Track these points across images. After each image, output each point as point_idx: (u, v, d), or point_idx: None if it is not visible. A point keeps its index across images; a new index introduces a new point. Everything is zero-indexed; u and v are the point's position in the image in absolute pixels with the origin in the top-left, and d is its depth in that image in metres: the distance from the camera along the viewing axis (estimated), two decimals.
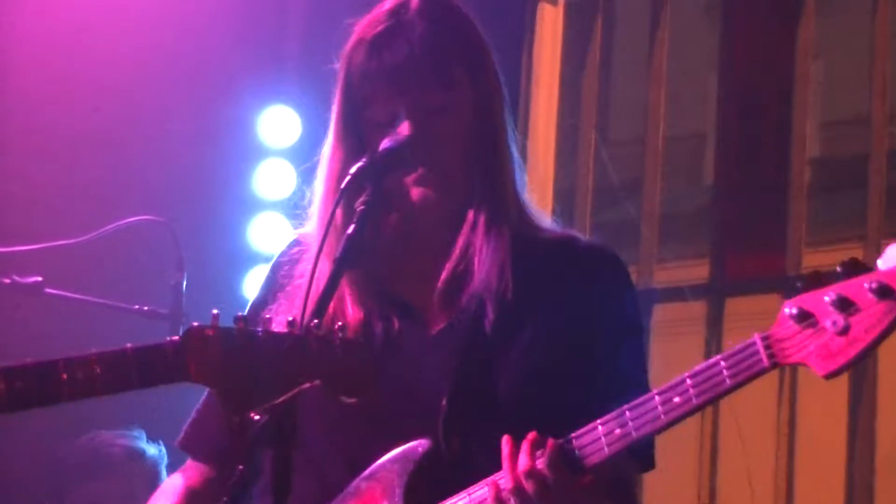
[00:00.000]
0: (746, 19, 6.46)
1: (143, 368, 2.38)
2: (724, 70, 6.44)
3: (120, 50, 5.72)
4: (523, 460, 2.61)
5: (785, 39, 6.15)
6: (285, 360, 2.31)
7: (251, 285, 5.79)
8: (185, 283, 4.86)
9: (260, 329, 2.34)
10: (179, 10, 5.80)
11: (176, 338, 2.35)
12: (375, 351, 2.35)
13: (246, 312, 2.94)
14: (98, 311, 4.89)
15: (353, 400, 2.35)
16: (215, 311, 2.36)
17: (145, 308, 4.84)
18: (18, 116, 5.56)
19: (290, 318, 2.38)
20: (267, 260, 5.29)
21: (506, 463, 2.63)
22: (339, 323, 2.46)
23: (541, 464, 2.60)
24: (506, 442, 2.64)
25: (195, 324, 2.36)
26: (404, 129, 2.81)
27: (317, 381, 2.30)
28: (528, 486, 2.60)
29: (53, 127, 5.65)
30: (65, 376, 2.38)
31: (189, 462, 3.03)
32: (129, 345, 2.39)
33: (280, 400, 2.29)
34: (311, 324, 2.36)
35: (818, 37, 6.15)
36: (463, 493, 2.69)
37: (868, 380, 5.71)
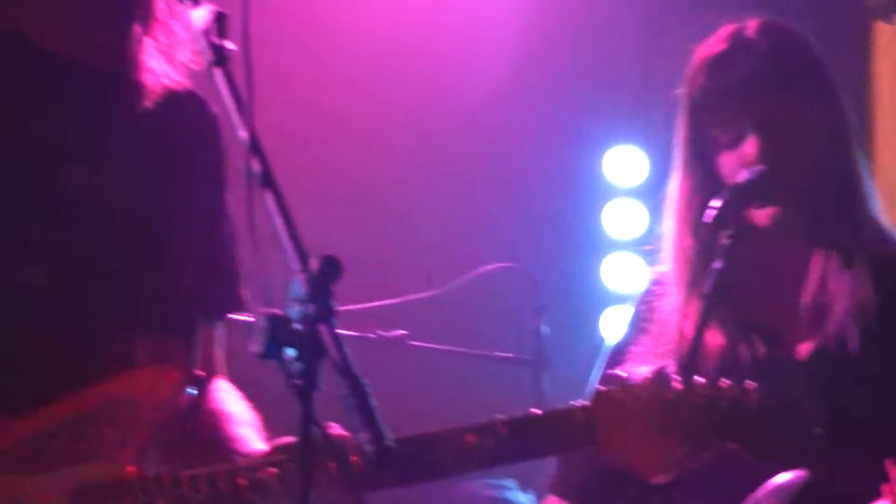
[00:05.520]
0: None
1: (551, 433, 2.34)
2: None
3: (478, 105, 5.77)
4: None
5: None
6: (696, 421, 2.25)
7: (607, 326, 5.76)
8: (544, 327, 4.86)
9: (671, 388, 2.28)
10: (526, 54, 5.84)
11: (585, 402, 2.32)
12: (807, 415, 2.27)
13: (609, 354, 2.95)
14: (461, 360, 4.94)
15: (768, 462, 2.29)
16: (620, 372, 2.33)
17: (509, 355, 4.86)
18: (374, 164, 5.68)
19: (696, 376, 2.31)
20: (621, 300, 5.25)
21: None
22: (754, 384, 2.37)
23: None
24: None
25: (602, 387, 2.32)
26: (751, 146, 2.75)
27: (733, 444, 2.24)
28: None
29: (404, 184, 5.75)
30: (474, 441, 2.35)
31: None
32: (534, 409, 2.37)
33: (693, 461, 2.25)
34: (723, 382, 2.29)
35: None
36: None
37: None
